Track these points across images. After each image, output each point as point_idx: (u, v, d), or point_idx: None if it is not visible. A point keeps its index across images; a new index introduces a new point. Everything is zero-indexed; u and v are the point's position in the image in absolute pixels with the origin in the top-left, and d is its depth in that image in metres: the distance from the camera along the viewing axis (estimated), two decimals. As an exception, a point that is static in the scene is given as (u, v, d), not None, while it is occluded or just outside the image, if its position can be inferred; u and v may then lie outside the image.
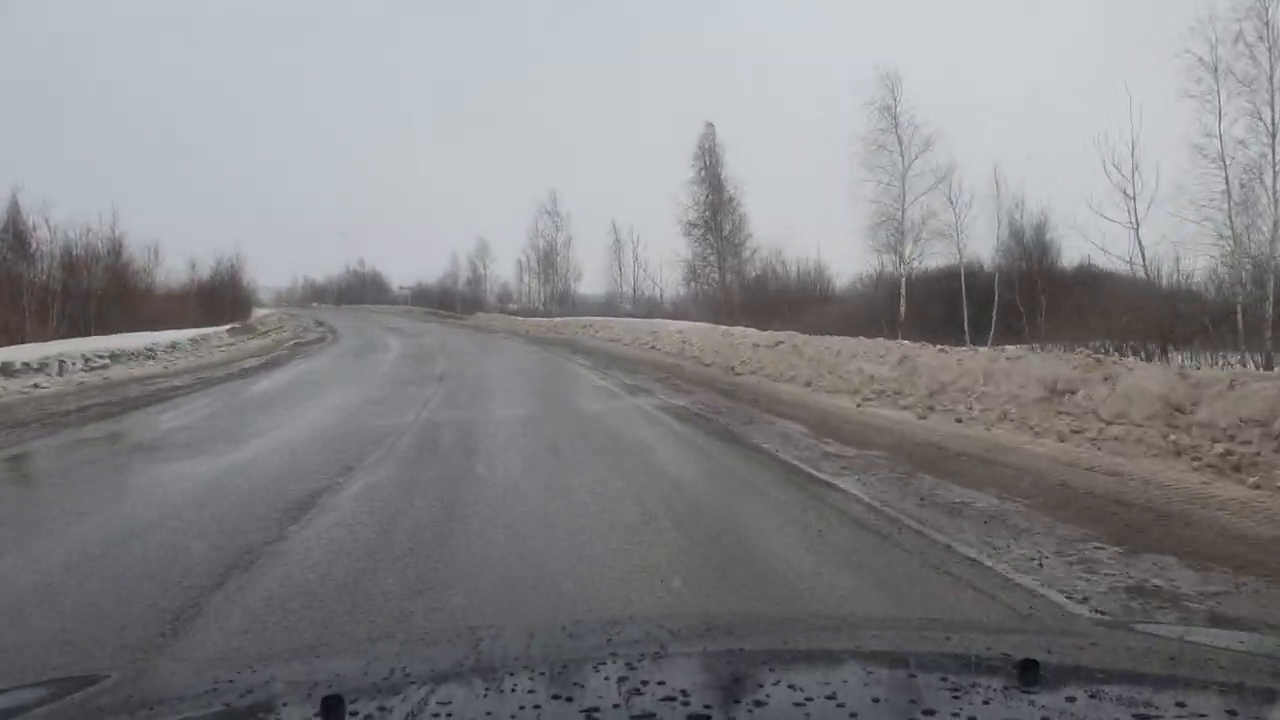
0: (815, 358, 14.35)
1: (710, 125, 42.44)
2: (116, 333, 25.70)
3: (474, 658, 1.31)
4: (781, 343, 16.58)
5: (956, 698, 0.96)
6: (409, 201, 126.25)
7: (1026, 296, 28.56)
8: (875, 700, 1.00)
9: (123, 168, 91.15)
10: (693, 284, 43.12)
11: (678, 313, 42.41)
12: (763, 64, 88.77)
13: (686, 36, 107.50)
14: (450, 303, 66.25)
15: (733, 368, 16.21)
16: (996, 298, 28.12)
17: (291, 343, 32.56)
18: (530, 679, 1.12)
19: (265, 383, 16.21)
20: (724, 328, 21.23)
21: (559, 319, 42.83)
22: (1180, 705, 0.99)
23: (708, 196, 42.12)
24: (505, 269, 74.63)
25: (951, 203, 28.39)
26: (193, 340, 25.76)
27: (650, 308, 48.52)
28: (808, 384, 12.99)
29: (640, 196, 73.36)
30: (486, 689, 1.10)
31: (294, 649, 2.81)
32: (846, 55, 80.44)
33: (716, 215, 41.69)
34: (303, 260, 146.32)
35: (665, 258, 50.44)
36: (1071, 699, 0.98)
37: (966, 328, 28.27)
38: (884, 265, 31.22)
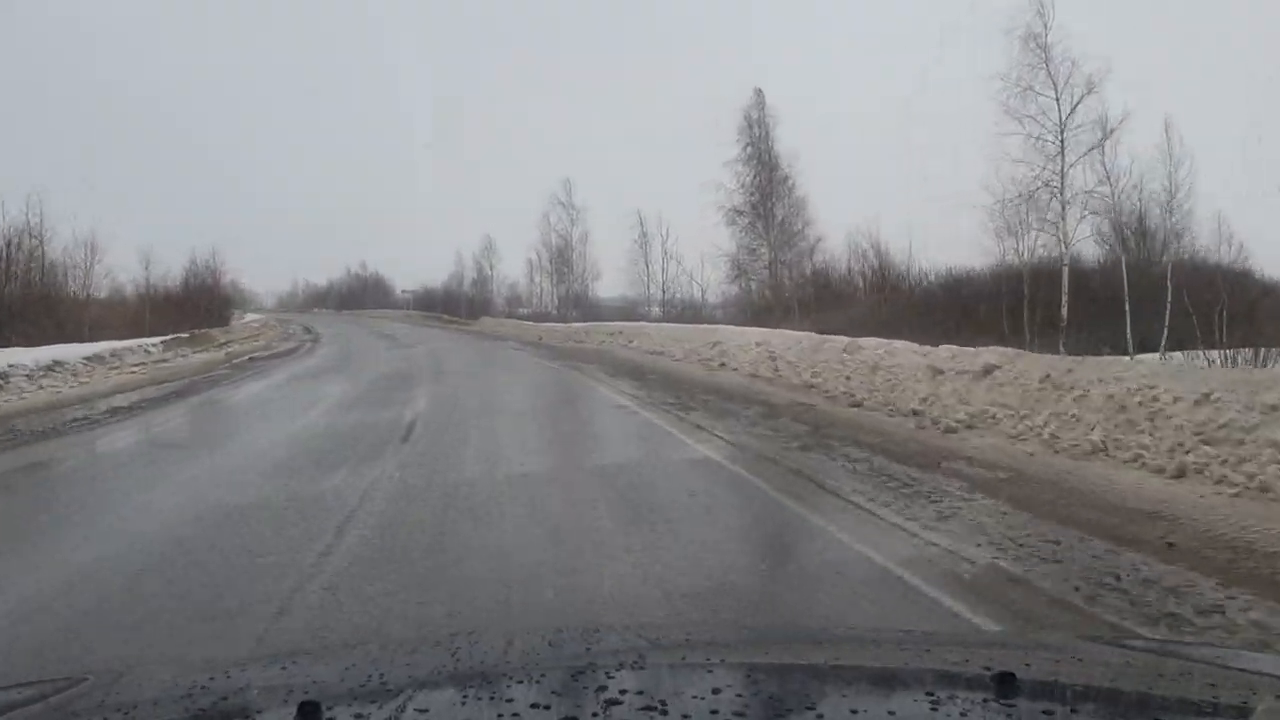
0: (1125, 404, 7.38)
1: (759, 92, 35.54)
2: (7, 346, 19.19)
3: (452, 665, 1.27)
4: (996, 368, 9.62)
5: (934, 709, 0.96)
6: (413, 201, 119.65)
7: (1198, 294, 21.60)
8: (854, 712, 0.99)
9: (118, 168, 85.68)
10: (739, 281, 36.07)
11: (726, 317, 35.52)
12: (805, 38, 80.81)
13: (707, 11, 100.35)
14: (455, 306, 59.88)
15: (927, 415, 9.29)
16: (1170, 296, 21.07)
17: (248, 357, 25.80)
18: (508, 686, 1.08)
19: (97, 446, 9.32)
20: (844, 339, 14.33)
21: (579, 324, 35.81)
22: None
23: (755, 177, 35.18)
24: (514, 269, 67.87)
25: (1105, 169, 21.36)
26: (93, 358, 18.96)
27: (684, 310, 41.57)
28: (1178, 474, 6.05)
29: (667, 190, 66.26)
30: (464, 696, 1.06)
31: (271, 654, 2.50)
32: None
33: (767, 199, 34.74)
34: (304, 263, 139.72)
35: (704, 252, 42.37)
36: (1049, 712, 0.97)
37: (1129, 334, 21.32)
38: (1004, 251, 24.24)
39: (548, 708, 0.94)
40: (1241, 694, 1.09)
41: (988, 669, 1.07)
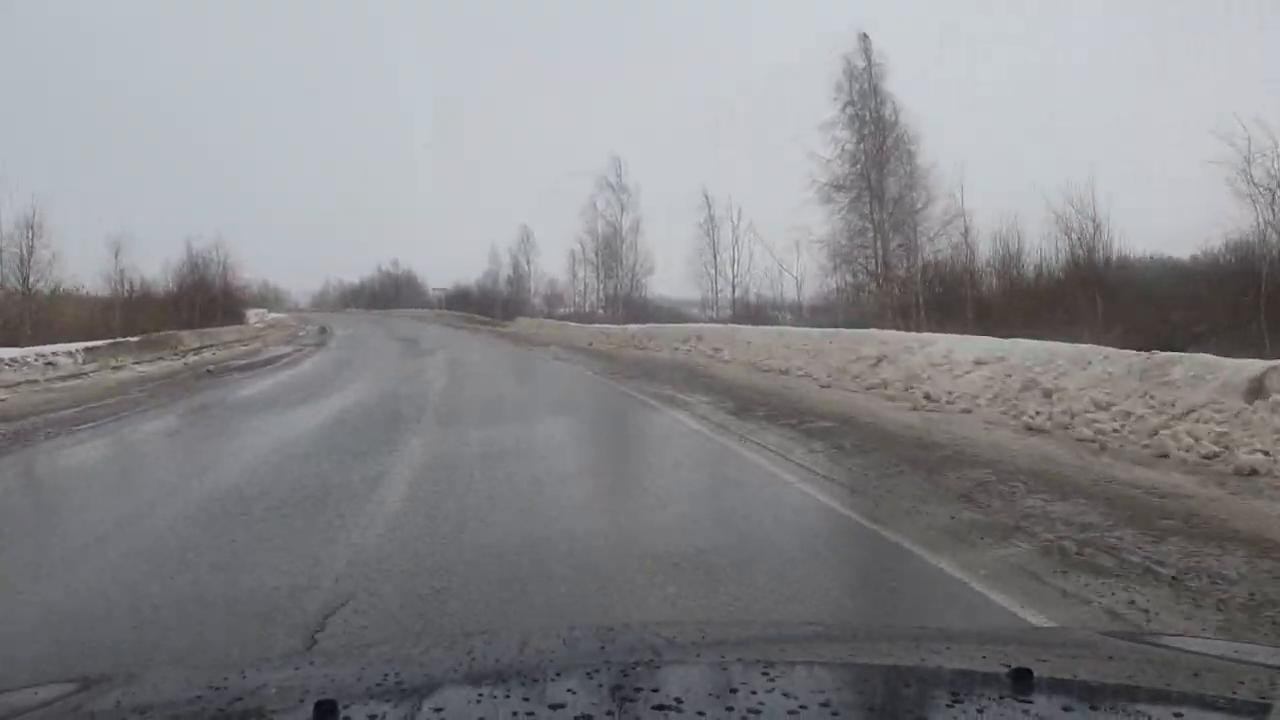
0: None
1: (864, 37, 28.30)
2: None
3: (468, 664, 1.23)
4: None
5: (951, 705, 0.95)
6: (447, 198, 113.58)
7: None
8: (870, 709, 0.99)
9: (118, 169, 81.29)
10: (838, 273, 28.84)
11: (812, 319, 28.48)
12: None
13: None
14: (488, 306, 53.57)
15: None
16: None
17: (208, 368, 19.24)
18: (524, 685, 1.07)
19: None
20: (1225, 360, 7.37)
21: (634, 327, 28.89)
22: (1177, 716, 0.95)
23: (860, 142, 28.06)
24: (553, 265, 61.32)
25: None
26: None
27: (757, 310, 34.54)
28: None
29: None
30: (480, 695, 1.03)
31: (286, 655, 2.46)
32: None
33: (877, 169, 27.59)
34: (337, 262, 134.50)
35: (797, 239, 33.73)
36: (1067, 708, 0.96)
37: None
38: (1262, 225, 16.99)
39: (563, 706, 0.92)
40: (1261, 689, 1.06)
41: (1005, 665, 1.03)
